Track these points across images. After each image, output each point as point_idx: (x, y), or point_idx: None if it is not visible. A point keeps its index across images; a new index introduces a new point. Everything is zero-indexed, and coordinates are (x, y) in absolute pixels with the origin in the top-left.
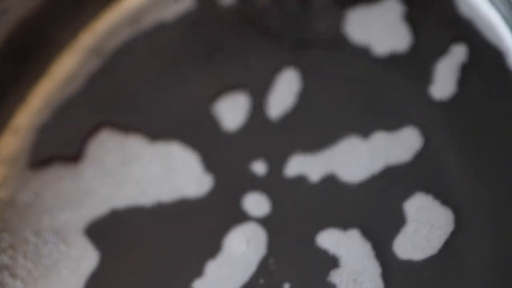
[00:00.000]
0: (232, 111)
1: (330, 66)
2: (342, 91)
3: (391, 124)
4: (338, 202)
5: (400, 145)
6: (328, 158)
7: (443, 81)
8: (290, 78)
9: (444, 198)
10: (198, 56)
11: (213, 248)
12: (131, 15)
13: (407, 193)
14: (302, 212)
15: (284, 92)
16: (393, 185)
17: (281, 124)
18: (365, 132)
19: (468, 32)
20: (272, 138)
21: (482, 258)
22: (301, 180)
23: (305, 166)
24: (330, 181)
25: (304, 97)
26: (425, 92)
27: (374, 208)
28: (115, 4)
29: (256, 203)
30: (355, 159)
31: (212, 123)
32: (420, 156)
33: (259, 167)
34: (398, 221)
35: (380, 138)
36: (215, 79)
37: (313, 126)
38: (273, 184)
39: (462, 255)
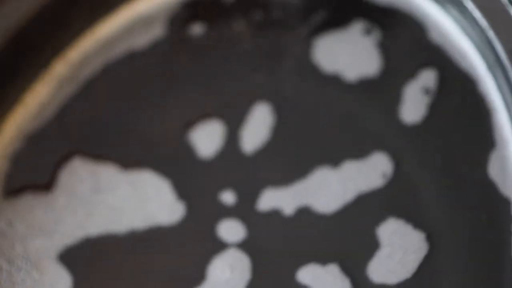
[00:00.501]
0: (206, 139)
1: (302, 96)
2: (314, 120)
3: (360, 151)
4: (314, 234)
5: (370, 171)
6: (300, 190)
7: (413, 106)
8: (264, 110)
9: (416, 222)
10: (171, 84)
11: (197, 277)
12: (103, 43)
13: (380, 219)
14: (280, 246)
15: (258, 125)
16: (366, 212)
17: (253, 157)
18: (335, 161)
19: (439, 58)
20: (244, 171)
21: (457, 281)
22: (275, 213)
23: (278, 199)
24: (305, 213)
25: (276, 130)
26: (395, 116)
27: (349, 237)
28: (88, 33)
29: (230, 230)
30: (327, 189)
31: (185, 151)
32: (391, 181)
33: (230, 198)
34: (372, 247)
35: (350, 167)
36: (188, 107)
37: (285, 159)
38: (247, 216)
39: (436, 278)
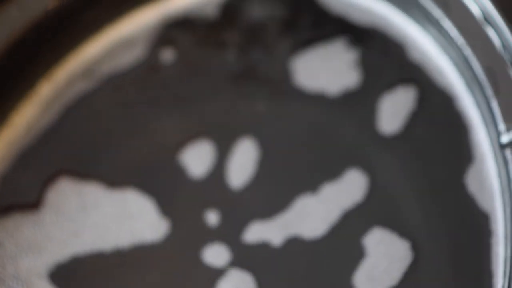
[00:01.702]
0: (194, 160)
1: (285, 120)
2: (292, 145)
3: (336, 171)
4: (305, 261)
5: (348, 189)
6: (286, 221)
7: (390, 120)
8: (248, 144)
9: (400, 230)
10: (155, 104)
11: None
12: (88, 64)
13: (366, 229)
14: (274, 276)
15: (243, 159)
16: (353, 227)
17: (238, 191)
18: (313, 187)
19: (417, 75)
20: (231, 208)
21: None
22: (264, 246)
23: (265, 232)
24: (294, 242)
25: (261, 163)
26: (373, 130)
27: (337, 252)
28: (73, 54)
29: (215, 253)
30: (312, 215)
31: (170, 170)
32: (370, 195)
33: (214, 220)
34: (358, 256)
35: (329, 189)
36: (171, 128)
37: (268, 191)
38: (232, 243)
39: (421, 285)
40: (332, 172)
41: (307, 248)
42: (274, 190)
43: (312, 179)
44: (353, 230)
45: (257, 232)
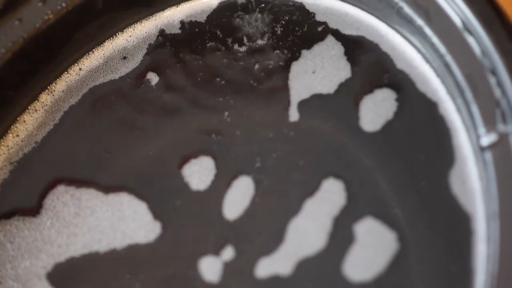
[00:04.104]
0: (195, 174)
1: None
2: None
3: (313, 185)
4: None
5: (330, 196)
6: (288, 251)
7: (371, 121)
8: (245, 182)
9: (388, 221)
10: (152, 114)
11: None
12: (86, 76)
13: (357, 218)
14: None
15: (239, 196)
16: (346, 228)
17: (237, 224)
18: (297, 208)
19: (401, 81)
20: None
21: (425, 275)
22: (275, 279)
23: (272, 266)
24: (303, 265)
25: (254, 198)
26: (356, 129)
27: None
28: (72, 66)
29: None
30: (308, 234)
31: (170, 181)
32: (353, 196)
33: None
34: (347, 243)
35: (311, 204)
36: (167, 136)
37: (262, 222)
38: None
39: (407, 273)
40: (310, 187)
41: (315, 264)
42: (267, 223)
43: (295, 201)
44: (348, 228)
45: (266, 267)
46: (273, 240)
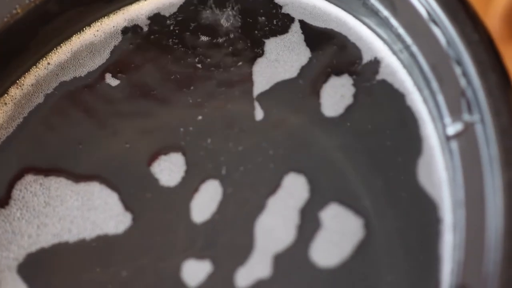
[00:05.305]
0: (167, 170)
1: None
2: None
3: (274, 182)
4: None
5: (292, 192)
6: (260, 251)
7: (331, 106)
8: (213, 186)
9: (354, 208)
10: (119, 110)
11: (150, 280)
12: (55, 70)
13: (322, 205)
14: None
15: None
16: (312, 218)
17: (207, 227)
18: (261, 206)
19: (367, 71)
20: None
21: (392, 268)
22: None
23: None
24: (280, 260)
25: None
26: (317, 113)
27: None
28: (41, 61)
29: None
30: (276, 230)
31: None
32: (315, 190)
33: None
34: (314, 231)
35: (275, 201)
36: (138, 130)
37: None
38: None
39: (374, 260)
40: (272, 184)
41: (291, 257)
42: (237, 227)
43: (259, 201)
44: (314, 216)
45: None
46: (243, 246)
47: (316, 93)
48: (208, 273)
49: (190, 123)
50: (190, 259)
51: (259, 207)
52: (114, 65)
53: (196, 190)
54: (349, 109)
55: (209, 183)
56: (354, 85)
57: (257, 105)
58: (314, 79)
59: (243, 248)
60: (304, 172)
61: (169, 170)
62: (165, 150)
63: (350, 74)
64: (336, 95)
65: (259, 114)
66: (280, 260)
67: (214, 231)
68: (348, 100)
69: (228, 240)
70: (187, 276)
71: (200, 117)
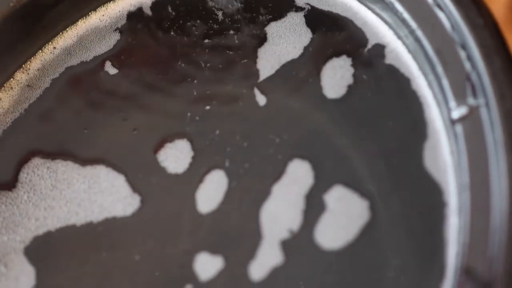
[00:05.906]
0: (173, 157)
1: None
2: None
3: (279, 168)
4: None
5: (297, 178)
6: (267, 237)
7: (333, 87)
8: (218, 175)
9: (359, 190)
10: (126, 94)
11: (154, 266)
12: (61, 54)
13: (327, 188)
14: None
15: (212, 188)
16: (317, 203)
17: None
18: (266, 193)
19: (372, 56)
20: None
21: (397, 246)
22: (274, 273)
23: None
24: (288, 246)
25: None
26: (320, 96)
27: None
28: (47, 45)
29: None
30: (282, 215)
31: (141, 153)
32: (319, 177)
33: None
34: (319, 214)
35: (279, 188)
36: (146, 115)
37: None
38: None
39: (378, 242)
40: (277, 171)
41: (298, 242)
42: (240, 218)
43: (263, 187)
44: (319, 199)
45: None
46: (251, 235)
47: (318, 76)
48: (219, 269)
49: (197, 112)
50: (201, 252)
51: (265, 194)
52: (120, 50)
53: (201, 181)
54: (353, 92)
55: (214, 172)
56: (357, 68)
57: (260, 91)
58: (317, 62)
59: (251, 239)
60: (308, 158)
61: (175, 157)
62: (171, 137)
63: (355, 58)
64: (338, 78)
65: (261, 100)
66: (288, 245)
67: (221, 221)
68: (350, 82)
69: (235, 230)
70: (198, 268)
71: (208, 107)
